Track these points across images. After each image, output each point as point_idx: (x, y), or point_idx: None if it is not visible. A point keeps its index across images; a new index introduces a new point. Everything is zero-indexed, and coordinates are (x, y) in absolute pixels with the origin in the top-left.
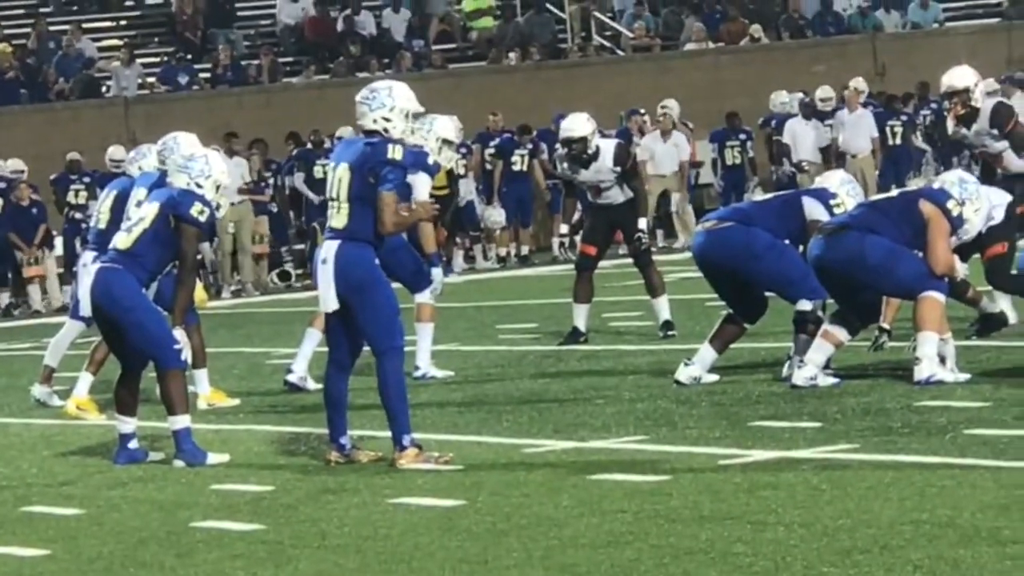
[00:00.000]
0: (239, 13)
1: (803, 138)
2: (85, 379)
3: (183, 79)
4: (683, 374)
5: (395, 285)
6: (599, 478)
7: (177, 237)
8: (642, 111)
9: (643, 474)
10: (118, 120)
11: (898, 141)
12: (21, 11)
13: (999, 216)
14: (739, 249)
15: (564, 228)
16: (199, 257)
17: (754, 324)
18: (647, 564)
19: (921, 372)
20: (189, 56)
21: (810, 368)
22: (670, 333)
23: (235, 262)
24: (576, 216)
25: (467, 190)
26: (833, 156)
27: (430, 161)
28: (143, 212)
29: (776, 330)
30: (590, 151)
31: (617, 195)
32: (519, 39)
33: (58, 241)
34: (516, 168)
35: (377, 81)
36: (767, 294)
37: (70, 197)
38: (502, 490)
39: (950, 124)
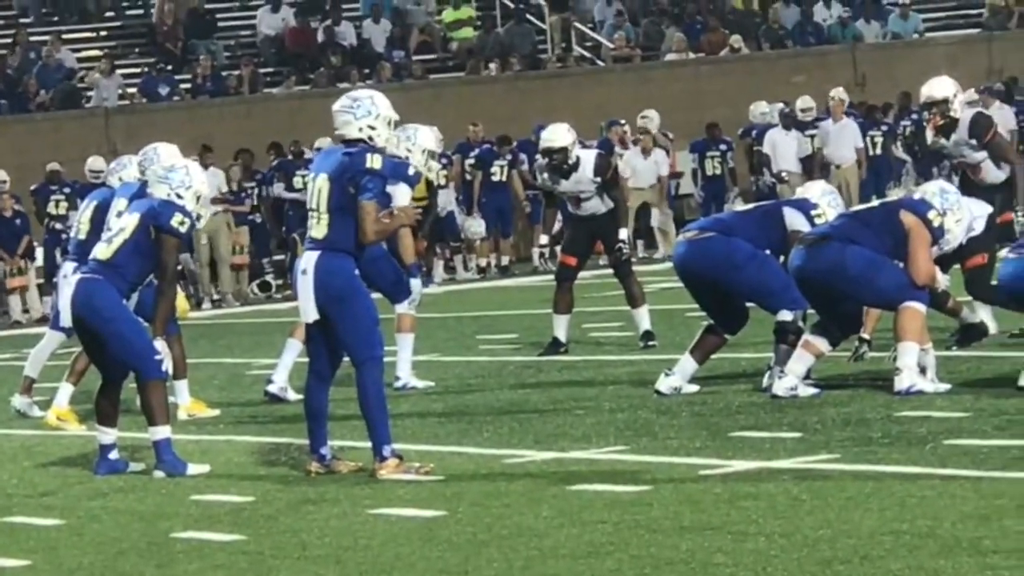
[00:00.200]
0: (219, 24)
1: (783, 148)
2: (65, 390)
3: (163, 90)
4: (663, 384)
5: (375, 295)
6: (579, 488)
7: (157, 248)
8: (622, 122)
9: (623, 484)
10: (98, 131)
11: (878, 151)
12: (1, 22)
13: (979, 227)
14: (720, 259)
15: (544, 239)
16: (180, 268)
17: (735, 335)
18: (628, 574)
19: (901, 382)
20: (169, 67)
21: (790, 378)
22: (650, 344)
23: (214, 273)
24: (556, 227)
25: (447, 201)
26: (817, 167)
27: (411, 172)
28: (123, 223)
29: (757, 341)
30: (570, 161)
31: (597, 205)
32: (499, 50)
33: (38, 252)
34: (496, 179)
35: (354, 91)
36: (748, 304)
37: (50, 208)
38: (483, 500)
39: (929, 134)
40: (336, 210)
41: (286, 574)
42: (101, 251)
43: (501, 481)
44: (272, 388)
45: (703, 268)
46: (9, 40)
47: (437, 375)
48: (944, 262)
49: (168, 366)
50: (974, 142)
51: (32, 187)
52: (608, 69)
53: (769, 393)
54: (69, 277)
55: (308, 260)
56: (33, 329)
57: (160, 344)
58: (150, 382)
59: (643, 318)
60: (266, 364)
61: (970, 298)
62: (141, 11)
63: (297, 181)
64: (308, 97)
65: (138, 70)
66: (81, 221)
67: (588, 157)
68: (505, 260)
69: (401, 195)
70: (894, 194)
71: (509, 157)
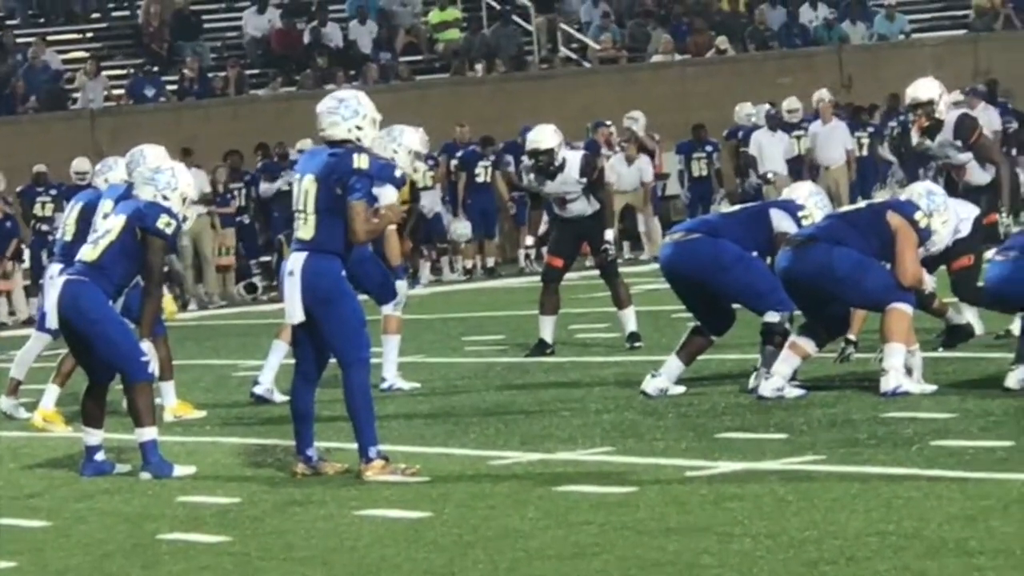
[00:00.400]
0: (205, 25)
1: (770, 150)
2: (52, 391)
3: (150, 91)
4: (650, 386)
5: (362, 297)
6: (565, 490)
7: (143, 249)
8: (608, 123)
9: (609, 486)
10: (84, 132)
11: (864, 153)
12: None
13: (966, 229)
14: (706, 261)
15: (530, 240)
16: (167, 269)
17: (721, 336)
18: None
19: (887, 383)
20: (156, 68)
21: (777, 380)
22: (636, 345)
23: (199, 274)
24: (542, 228)
25: (434, 202)
26: (806, 168)
27: (397, 173)
28: (110, 224)
29: (743, 342)
30: (556, 163)
31: (583, 207)
32: (485, 51)
33: (25, 254)
34: (480, 180)
35: (338, 91)
36: (734, 306)
37: (36, 209)
38: (468, 502)
39: (914, 136)
40: (323, 211)
41: (272, 575)
42: (87, 253)
43: (487, 482)
44: (258, 390)
45: (690, 269)
46: None
47: (423, 376)
48: (930, 263)
49: (154, 368)
50: (959, 143)
51: (18, 189)
52: (594, 70)
53: (755, 394)
54: (55, 279)
55: (295, 261)
56: (19, 331)
57: (146, 346)
58: (136, 384)
59: (629, 319)
60: (252, 366)
61: (956, 299)
62: (127, 13)
63: (283, 186)
64: (294, 98)
65: (124, 71)
66: (67, 223)
67: (574, 158)
68: (491, 261)
69: (387, 196)
70: (880, 195)
71: (492, 158)
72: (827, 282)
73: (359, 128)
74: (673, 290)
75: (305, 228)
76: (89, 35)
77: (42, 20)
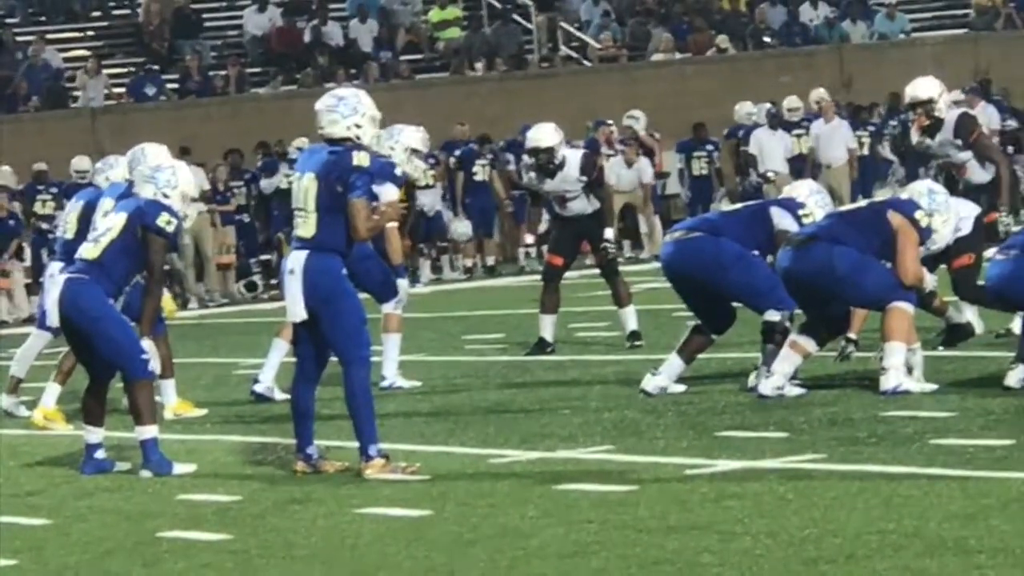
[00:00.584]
0: (206, 24)
1: (770, 148)
2: (52, 389)
3: (150, 90)
4: (650, 384)
5: (362, 295)
6: (566, 488)
7: (144, 248)
8: (609, 122)
9: (610, 484)
10: (85, 131)
11: (865, 152)
12: None
13: (966, 228)
14: (707, 259)
15: (530, 238)
16: (167, 268)
17: (722, 335)
18: (614, 574)
19: (888, 382)
20: (156, 67)
21: (777, 378)
22: (637, 343)
23: (200, 273)
24: (543, 227)
25: (435, 200)
26: (808, 167)
27: (397, 172)
28: (110, 223)
29: (743, 340)
30: (556, 161)
31: (583, 205)
32: (486, 50)
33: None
34: (477, 178)
35: (337, 89)
36: (735, 304)
37: (37, 207)
38: (469, 500)
39: (914, 135)
40: (323, 209)
41: (272, 573)
42: (88, 251)
43: (487, 481)
44: (258, 388)
45: (690, 268)
46: None
47: (423, 375)
48: (931, 262)
49: (155, 366)
50: (959, 142)
51: (19, 187)
52: (594, 69)
53: (756, 393)
54: (56, 277)
55: (296, 259)
56: (20, 329)
57: (147, 344)
58: (137, 382)
59: (629, 318)
60: (253, 364)
61: (956, 298)
62: (127, 11)
63: (281, 181)
64: (295, 97)
65: (125, 70)
66: (68, 221)
67: (574, 157)
68: (491, 260)
69: (387, 194)
70: (880, 194)
71: (490, 156)
72: (828, 281)
73: (358, 126)
74: (674, 288)
75: (305, 226)
76: (90, 34)
77: (43, 19)
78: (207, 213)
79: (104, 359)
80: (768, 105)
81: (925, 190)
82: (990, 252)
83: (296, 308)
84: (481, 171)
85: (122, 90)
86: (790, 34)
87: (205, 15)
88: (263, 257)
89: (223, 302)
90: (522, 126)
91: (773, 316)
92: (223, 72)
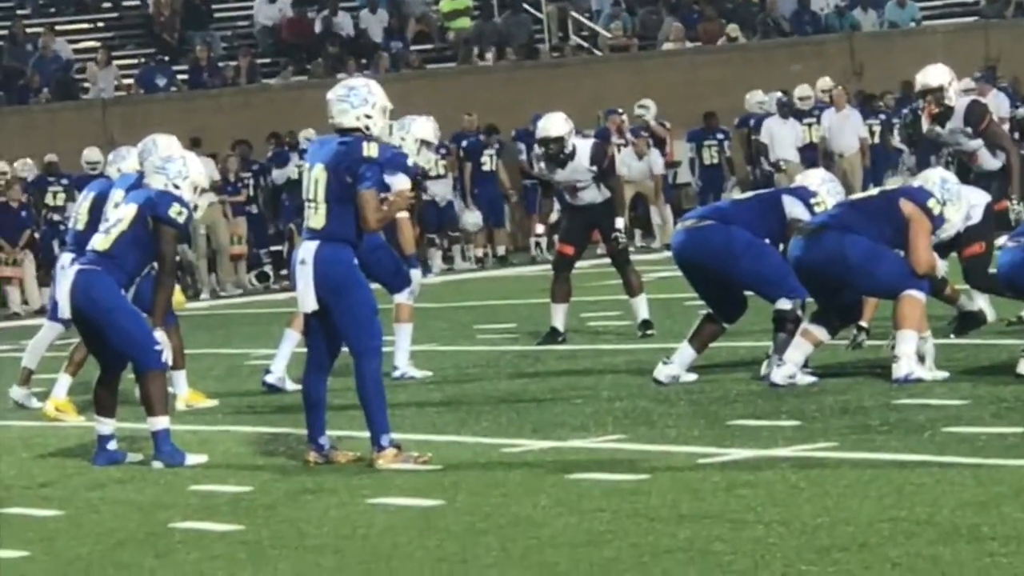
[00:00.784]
0: (216, 14)
1: (781, 137)
2: (64, 381)
3: (160, 81)
4: (662, 373)
5: (374, 286)
6: (578, 477)
7: (155, 238)
8: (620, 111)
9: (622, 473)
10: (96, 122)
11: (876, 140)
12: None
13: (977, 216)
14: (719, 248)
15: (541, 228)
16: (177, 259)
17: (733, 324)
18: (626, 563)
19: (899, 370)
20: (166, 58)
21: (789, 367)
22: (648, 332)
23: (211, 264)
24: (554, 216)
25: (446, 190)
26: (820, 156)
27: (409, 162)
28: (121, 214)
29: (755, 329)
30: (567, 151)
31: (594, 195)
32: (496, 39)
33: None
34: (485, 168)
35: (349, 79)
36: (747, 293)
37: (48, 199)
38: (481, 490)
39: (925, 123)
40: (334, 200)
41: (285, 564)
42: (99, 242)
43: (499, 470)
44: (270, 378)
45: (702, 257)
46: (5, 32)
47: (435, 365)
48: (942, 250)
49: (168, 356)
50: (969, 130)
51: (29, 178)
52: (605, 59)
53: (767, 381)
54: (67, 268)
55: (307, 250)
56: (31, 320)
57: (160, 334)
58: (149, 373)
59: (641, 307)
60: (264, 354)
61: (967, 286)
62: (138, 2)
63: (292, 171)
64: (305, 87)
65: (135, 61)
66: (79, 212)
67: (584, 146)
68: (502, 250)
69: (400, 185)
70: (892, 183)
71: (497, 146)
72: (839, 269)
73: (368, 116)
74: (685, 277)
75: (316, 217)
76: (100, 25)
77: (52, 10)
78: (219, 204)
79: (116, 350)
80: (779, 94)
81: (937, 178)
82: (1001, 240)
83: (307, 298)
84: (489, 161)
85: (132, 81)
86: (800, 23)
87: (215, 5)
88: (273, 248)
89: (236, 293)
90: (533, 115)
91: (785, 304)
92: (234, 63)
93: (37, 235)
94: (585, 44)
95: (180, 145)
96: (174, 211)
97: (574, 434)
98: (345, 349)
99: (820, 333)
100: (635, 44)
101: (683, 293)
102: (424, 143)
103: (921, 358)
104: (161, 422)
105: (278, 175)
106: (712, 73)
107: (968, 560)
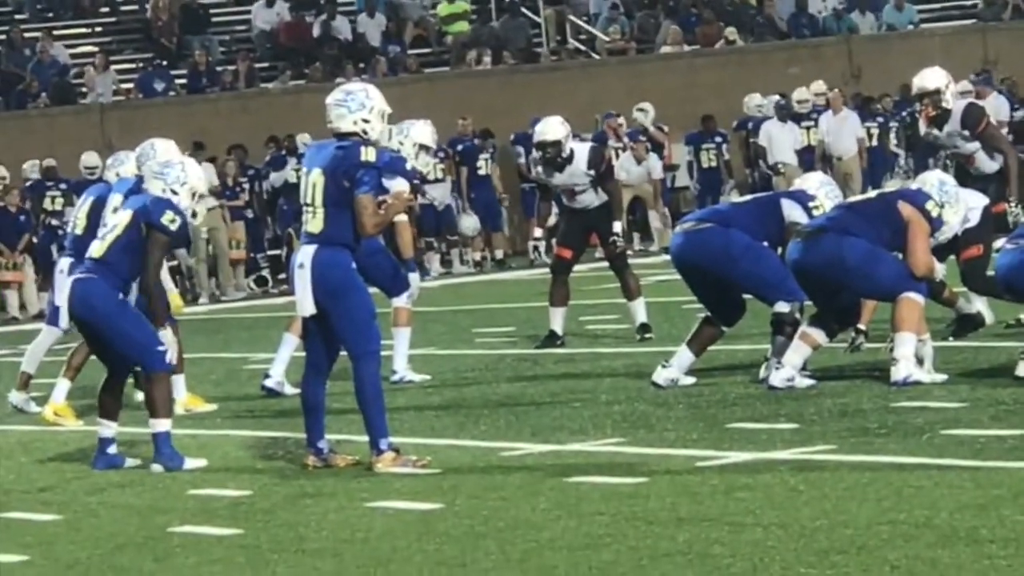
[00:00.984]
0: (214, 19)
1: (779, 140)
2: (62, 385)
3: (159, 85)
4: (660, 376)
5: (372, 289)
6: (577, 481)
7: (146, 244)
8: (615, 113)
9: (620, 476)
10: (94, 127)
11: (874, 143)
12: None
13: (975, 218)
14: (717, 251)
15: (538, 231)
16: (175, 263)
17: (732, 327)
18: (625, 566)
19: (898, 373)
20: (164, 62)
21: (787, 370)
22: (647, 336)
23: (213, 267)
24: (552, 220)
25: (444, 194)
26: (818, 159)
27: (408, 167)
28: (117, 219)
29: (753, 332)
30: (564, 155)
31: (592, 198)
32: (494, 43)
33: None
34: (481, 173)
35: (347, 84)
36: (745, 296)
37: (46, 204)
38: (480, 493)
39: (922, 125)
40: (331, 204)
41: (284, 568)
42: (95, 249)
43: (498, 474)
44: (269, 382)
45: (700, 260)
46: (3, 36)
47: (434, 368)
48: (940, 253)
49: (172, 356)
50: (967, 132)
51: (28, 183)
52: (602, 62)
53: (766, 384)
54: (66, 272)
55: (305, 254)
56: (30, 325)
57: (165, 334)
58: (154, 375)
59: (639, 310)
60: (263, 359)
61: (966, 289)
62: (135, 7)
63: (290, 175)
64: (304, 91)
65: (133, 66)
66: (78, 216)
67: (582, 150)
68: (500, 253)
69: (397, 189)
70: (890, 186)
71: (492, 151)
72: (838, 272)
73: (366, 121)
74: (684, 280)
75: (314, 221)
76: (97, 29)
77: (50, 14)
78: (219, 208)
79: (120, 354)
80: (777, 97)
81: (936, 181)
82: (999, 242)
83: (305, 302)
84: (484, 165)
85: (130, 86)
86: (798, 26)
87: (213, 10)
88: (271, 252)
89: (237, 297)
90: (531, 119)
91: (783, 307)
92: (232, 67)
93: (36, 240)
94: (583, 48)
95: (178, 150)
96: (167, 218)
97: (573, 437)
98: (344, 353)
99: (818, 336)
100: (633, 47)
101: (682, 296)
102: (422, 147)
103: (920, 361)
104: (162, 424)
105: (275, 178)
106: (710, 76)
107: (967, 563)
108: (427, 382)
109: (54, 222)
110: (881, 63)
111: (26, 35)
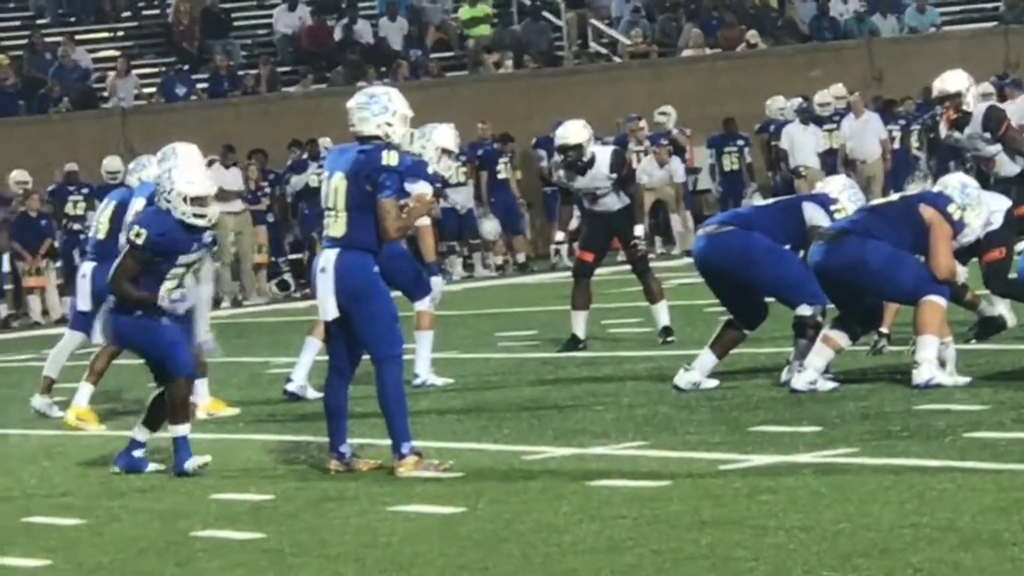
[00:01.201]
0: (236, 23)
1: (801, 143)
2: (85, 390)
3: (181, 90)
4: (683, 380)
5: (394, 293)
6: (599, 484)
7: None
8: (636, 116)
9: (643, 480)
10: (115, 131)
11: (896, 146)
12: (17, 23)
13: (997, 221)
14: (739, 254)
15: (560, 235)
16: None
17: (754, 330)
18: (648, 570)
19: (920, 376)
20: (186, 67)
21: (810, 373)
22: (669, 339)
23: (236, 271)
24: (574, 223)
25: (467, 199)
26: (840, 163)
27: (430, 171)
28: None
29: (776, 335)
30: (585, 158)
31: (613, 202)
32: (515, 47)
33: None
34: (501, 176)
35: (370, 87)
36: (767, 299)
37: (68, 208)
38: (502, 497)
39: (943, 128)
40: (353, 208)
41: (306, 572)
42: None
43: (520, 477)
44: (291, 387)
45: (722, 263)
46: (25, 41)
47: (456, 372)
48: (962, 256)
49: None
50: (988, 135)
51: (50, 188)
52: (624, 65)
53: (788, 388)
54: (88, 277)
55: (327, 258)
56: (52, 330)
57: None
58: (173, 379)
59: (662, 314)
60: (285, 363)
61: (988, 291)
62: (157, 11)
63: (312, 179)
64: (325, 95)
65: (155, 70)
66: (100, 221)
67: (603, 154)
68: (522, 257)
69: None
70: (911, 189)
71: (511, 155)
72: (860, 275)
73: (388, 124)
74: (706, 283)
75: (336, 226)
76: (119, 34)
77: (72, 19)
78: (244, 213)
79: (151, 360)
80: (799, 100)
81: (958, 184)
82: (1021, 245)
83: (328, 306)
84: (504, 169)
85: (152, 90)
86: (820, 28)
87: (235, 14)
88: (292, 256)
89: (261, 301)
90: (554, 122)
91: (805, 311)
92: (253, 71)
93: (57, 244)
94: (604, 51)
95: (200, 154)
96: (133, 232)
97: (595, 441)
98: (366, 357)
99: (841, 339)
100: (654, 51)
101: (704, 300)
102: (445, 151)
103: (942, 363)
104: (180, 429)
105: (295, 181)
106: (731, 79)
107: (989, 565)
108: (449, 386)
109: (76, 227)
110: (903, 66)
111: (48, 40)
